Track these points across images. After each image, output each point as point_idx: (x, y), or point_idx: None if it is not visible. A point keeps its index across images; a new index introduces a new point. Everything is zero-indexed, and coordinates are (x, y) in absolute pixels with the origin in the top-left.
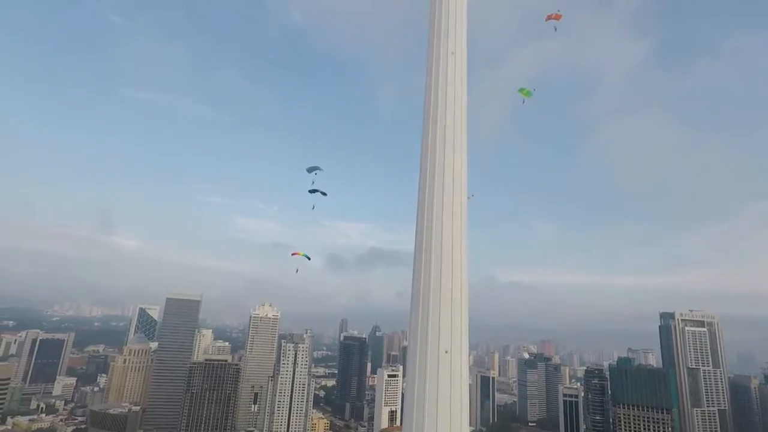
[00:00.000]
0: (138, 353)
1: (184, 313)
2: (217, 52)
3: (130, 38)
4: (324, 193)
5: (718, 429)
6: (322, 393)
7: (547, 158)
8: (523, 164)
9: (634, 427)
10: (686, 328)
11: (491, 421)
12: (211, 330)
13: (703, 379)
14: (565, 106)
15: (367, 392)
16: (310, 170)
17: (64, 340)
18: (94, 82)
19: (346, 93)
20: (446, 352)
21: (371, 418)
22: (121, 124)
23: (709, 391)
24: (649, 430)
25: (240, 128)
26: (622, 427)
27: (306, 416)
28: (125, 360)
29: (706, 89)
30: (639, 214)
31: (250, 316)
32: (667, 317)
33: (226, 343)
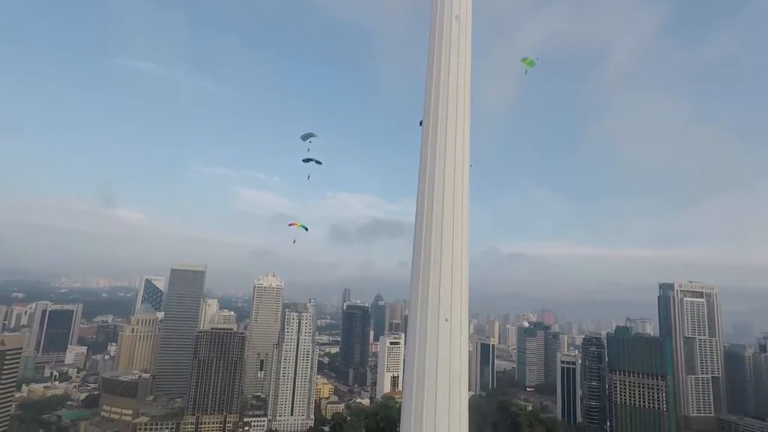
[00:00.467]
0: (146, 323)
1: (189, 284)
2: (215, 20)
3: (128, 3)
4: (319, 162)
5: (711, 395)
6: (326, 360)
7: (552, 130)
8: (527, 136)
9: (630, 393)
10: (684, 299)
11: (490, 386)
12: (216, 300)
13: (698, 348)
14: (572, 78)
15: (369, 359)
16: (304, 138)
17: (73, 311)
18: (92, 52)
19: (347, 62)
20: (446, 320)
21: (374, 384)
22: (121, 96)
23: (703, 359)
24: (643, 395)
25: (240, 99)
26: (618, 392)
27: (310, 382)
28: (133, 329)
29: (719, 60)
30: (643, 188)
31: (254, 286)
32: (666, 288)
33: (232, 313)
